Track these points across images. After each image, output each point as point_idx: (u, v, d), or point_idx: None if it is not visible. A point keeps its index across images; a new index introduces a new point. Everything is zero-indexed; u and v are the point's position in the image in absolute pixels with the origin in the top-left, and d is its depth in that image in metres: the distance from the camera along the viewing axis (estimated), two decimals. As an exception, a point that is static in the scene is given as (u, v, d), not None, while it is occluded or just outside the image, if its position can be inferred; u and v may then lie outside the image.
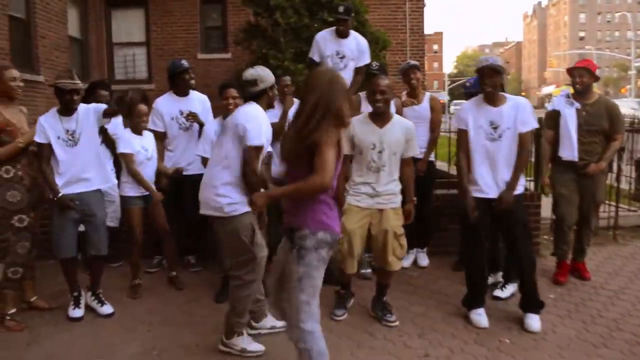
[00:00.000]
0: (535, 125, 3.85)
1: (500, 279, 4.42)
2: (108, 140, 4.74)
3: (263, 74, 3.31)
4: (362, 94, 5.02)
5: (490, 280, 4.33)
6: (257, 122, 3.20)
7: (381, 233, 3.77)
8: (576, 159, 4.48)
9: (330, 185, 2.56)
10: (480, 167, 3.77)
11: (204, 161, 3.77)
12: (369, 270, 4.63)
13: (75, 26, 10.33)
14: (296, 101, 4.52)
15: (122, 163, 4.40)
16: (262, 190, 3.08)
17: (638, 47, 45.64)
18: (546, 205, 5.30)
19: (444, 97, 43.98)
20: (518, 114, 3.69)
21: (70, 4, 9.97)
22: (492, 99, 3.74)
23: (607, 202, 5.87)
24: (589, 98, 4.54)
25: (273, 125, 3.54)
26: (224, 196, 3.23)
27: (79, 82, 3.88)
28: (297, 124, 2.65)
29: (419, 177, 4.53)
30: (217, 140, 3.48)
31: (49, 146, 3.82)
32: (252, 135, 3.16)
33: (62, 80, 3.80)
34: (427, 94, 5.18)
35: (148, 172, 4.43)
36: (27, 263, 3.95)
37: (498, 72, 3.66)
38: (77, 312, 3.97)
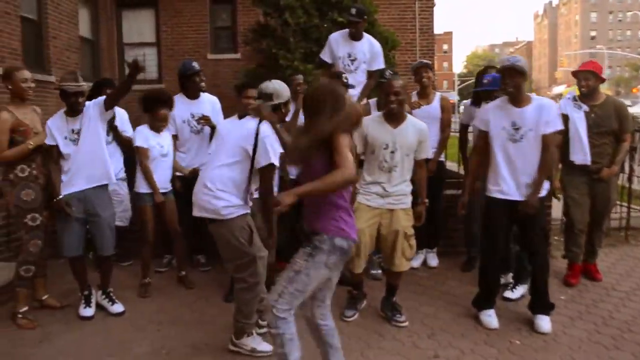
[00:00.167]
0: (560, 126, 3.77)
1: (511, 280, 4.40)
2: (119, 138, 4.79)
3: (280, 89, 3.30)
4: (372, 101, 5.02)
5: (501, 281, 4.30)
6: (273, 139, 3.20)
7: (391, 233, 3.76)
8: (589, 162, 4.43)
9: (355, 176, 2.63)
10: (501, 169, 3.73)
11: None
12: (379, 271, 4.62)
13: (86, 27, 10.41)
14: None
15: (137, 159, 4.44)
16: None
17: (650, 47, 45.16)
18: (557, 206, 5.26)
19: (453, 97, 43.88)
20: (541, 115, 3.63)
21: (81, 5, 10.05)
22: (516, 100, 3.68)
23: (618, 203, 5.82)
24: (596, 99, 4.50)
25: (285, 124, 3.55)
26: (221, 199, 3.20)
27: (83, 83, 3.90)
28: (307, 126, 2.71)
29: (429, 178, 4.50)
30: (219, 141, 3.43)
31: (57, 147, 3.88)
32: (272, 154, 3.17)
33: (66, 83, 3.83)
34: (438, 94, 5.16)
35: (163, 169, 4.46)
36: (39, 261, 3.99)
37: (520, 72, 3.61)
38: (88, 311, 4.00)
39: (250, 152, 3.20)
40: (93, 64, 10.62)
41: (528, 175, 3.68)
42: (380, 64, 5.24)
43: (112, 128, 4.67)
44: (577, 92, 4.63)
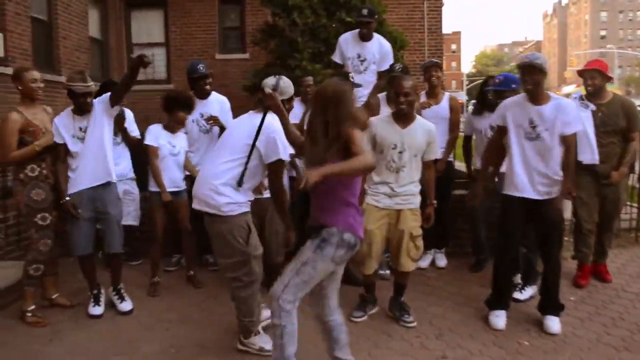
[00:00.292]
0: (580, 127, 3.73)
1: (519, 281, 4.38)
2: (127, 138, 4.81)
3: (283, 86, 3.25)
4: (382, 96, 5.02)
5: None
6: (283, 135, 3.18)
7: (397, 234, 3.76)
8: (597, 161, 4.40)
9: (374, 164, 2.71)
10: (517, 166, 3.71)
11: None
12: (387, 272, 4.61)
13: (95, 27, 10.47)
14: None
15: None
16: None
17: (661, 46, 44.83)
18: (566, 205, 5.22)
19: (462, 97, 43.71)
20: (559, 115, 3.59)
21: (91, 5, 10.11)
22: (534, 97, 3.65)
23: (628, 203, 5.77)
24: (603, 98, 4.47)
25: (295, 125, 3.54)
26: (223, 195, 3.16)
27: (91, 83, 3.92)
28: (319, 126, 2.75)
29: (438, 178, 4.49)
30: (225, 136, 3.40)
31: (64, 146, 3.92)
32: (282, 150, 3.17)
33: (74, 83, 3.85)
34: (447, 94, 5.15)
35: (172, 168, 4.47)
36: (48, 260, 4.01)
37: (538, 69, 3.57)
38: (97, 310, 4.02)
39: (251, 145, 3.16)
40: (102, 64, 10.69)
41: (542, 174, 3.66)
42: (389, 64, 5.23)
43: (121, 129, 4.69)
44: (583, 92, 4.60)
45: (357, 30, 5.27)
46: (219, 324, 3.85)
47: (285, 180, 4.43)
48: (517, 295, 4.23)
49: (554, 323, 3.70)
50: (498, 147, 3.90)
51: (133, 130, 4.91)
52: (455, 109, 5.05)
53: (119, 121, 4.50)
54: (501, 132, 3.83)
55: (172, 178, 4.46)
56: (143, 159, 4.60)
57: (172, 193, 4.42)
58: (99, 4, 10.64)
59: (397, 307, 3.91)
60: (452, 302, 4.22)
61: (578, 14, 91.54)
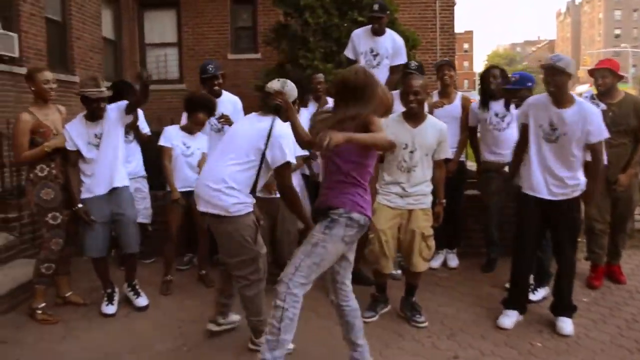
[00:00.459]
0: (606, 135, 3.66)
1: (532, 282, 4.35)
2: (139, 136, 4.85)
3: (287, 89, 3.25)
4: (395, 92, 5.00)
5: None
6: (290, 138, 3.20)
7: (408, 234, 3.76)
8: (605, 162, 4.36)
9: (394, 144, 2.85)
10: (534, 165, 3.69)
11: None
12: (399, 272, 4.60)
13: (108, 27, 10.55)
14: (329, 100, 4.53)
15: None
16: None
17: (676, 45, 44.30)
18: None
19: (474, 96, 43.43)
20: (581, 122, 3.53)
21: (104, 6, 10.18)
22: (557, 99, 3.60)
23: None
24: (614, 97, 4.43)
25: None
26: (230, 196, 3.15)
27: (104, 89, 3.94)
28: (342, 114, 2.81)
29: (449, 178, 4.47)
30: (231, 137, 3.37)
31: (77, 153, 3.93)
32: (288, 153, 3.19)
33: (88, 89, 3.86)
34: (459, 94, 5.14)
35: (184, 168, 4.49)
36: (60, 260, 4.04)
37: (560, 71, 3.52)
38: (110, 309, 4.05)
39: (263, 151, 3.19)
40: (115, 65, 10.76)
41: (556, 177, 3.63)
42: (402, 59, 5.22)
43: (133, 128, 4.73)
44: (595, 92, 4.55)
45: (369, 26, 5.27)
46: (230, 323, 3.87)
47: (299, 180, 4.45)
48: (529, 296, 4.21)
49: (566, 324, 3.67)
50: (527, 144, 3.82)
51: (144, 127, 4.95)
52: (467, 108, 5.02)
53: (132, 121, 4.53)
54: (525, 130, 3.79)
55: (183, 177, 4.48)
56: (153, 158, 4.62)
57: (185, 193, 4.44)
58: (112, 4, 10.72)
59: (409, 307, 3.91)
60: (464, 303, 4.21)
61: (592, 13, 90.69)
